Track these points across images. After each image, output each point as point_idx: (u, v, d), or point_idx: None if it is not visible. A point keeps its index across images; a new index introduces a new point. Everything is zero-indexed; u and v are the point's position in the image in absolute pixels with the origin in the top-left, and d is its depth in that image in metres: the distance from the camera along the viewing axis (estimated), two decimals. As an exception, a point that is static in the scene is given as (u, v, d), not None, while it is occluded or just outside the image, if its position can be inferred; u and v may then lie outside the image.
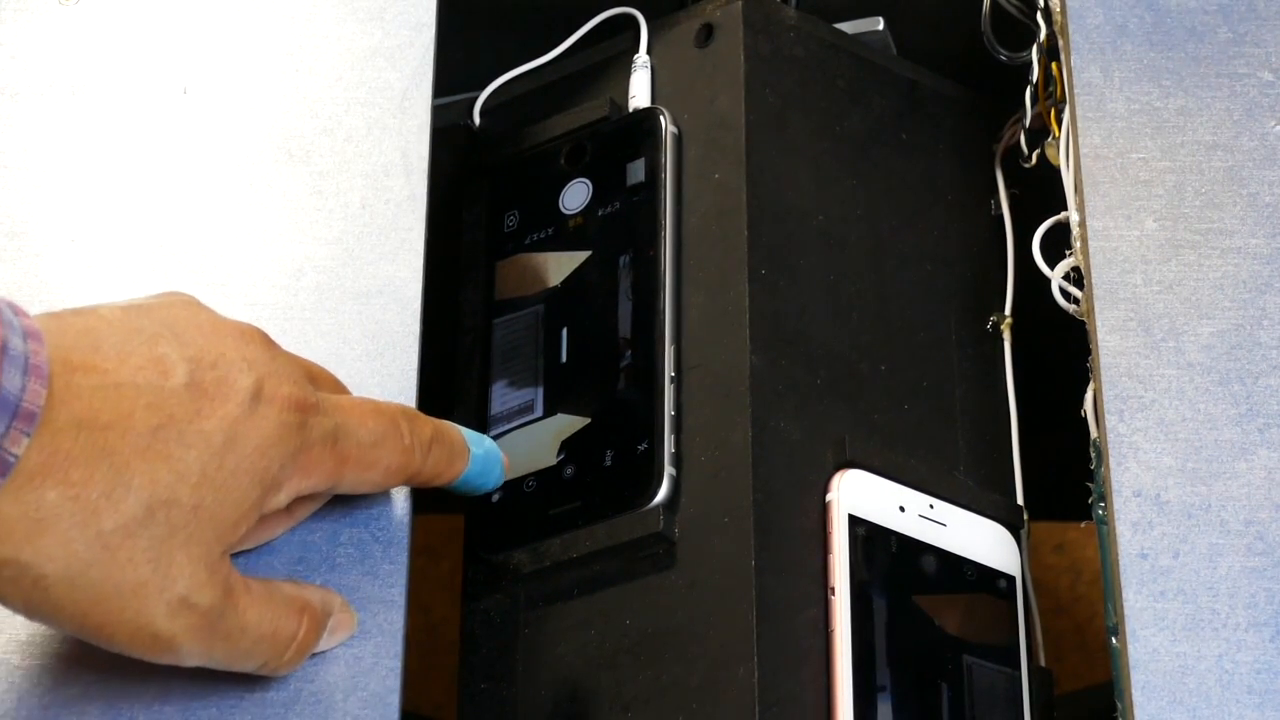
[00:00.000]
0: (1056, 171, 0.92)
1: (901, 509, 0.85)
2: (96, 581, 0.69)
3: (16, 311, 0.68)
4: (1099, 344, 0.84)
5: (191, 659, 0.72)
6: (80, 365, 0.69)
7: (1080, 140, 0.88)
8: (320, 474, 0.75)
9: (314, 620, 0.76)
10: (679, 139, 0.91)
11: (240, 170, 0.89)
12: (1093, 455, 0.85)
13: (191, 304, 0.75)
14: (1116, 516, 0.81)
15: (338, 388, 0.81)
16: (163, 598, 0.70)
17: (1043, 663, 0.88)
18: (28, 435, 0.66)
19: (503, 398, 0.89)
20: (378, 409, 0.77)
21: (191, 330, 0.73)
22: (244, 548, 0.78)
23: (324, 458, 0.74)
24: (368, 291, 0.86)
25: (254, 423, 0.72)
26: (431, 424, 0.79)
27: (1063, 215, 0.90)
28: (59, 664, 0.77)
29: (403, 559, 0.80)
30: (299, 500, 0.77)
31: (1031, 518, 0.91)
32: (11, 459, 0.66)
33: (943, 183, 0.96)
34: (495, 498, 0.87)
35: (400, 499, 0.82)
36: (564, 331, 0.89)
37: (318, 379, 0.79)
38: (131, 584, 0.70)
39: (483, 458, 0.82)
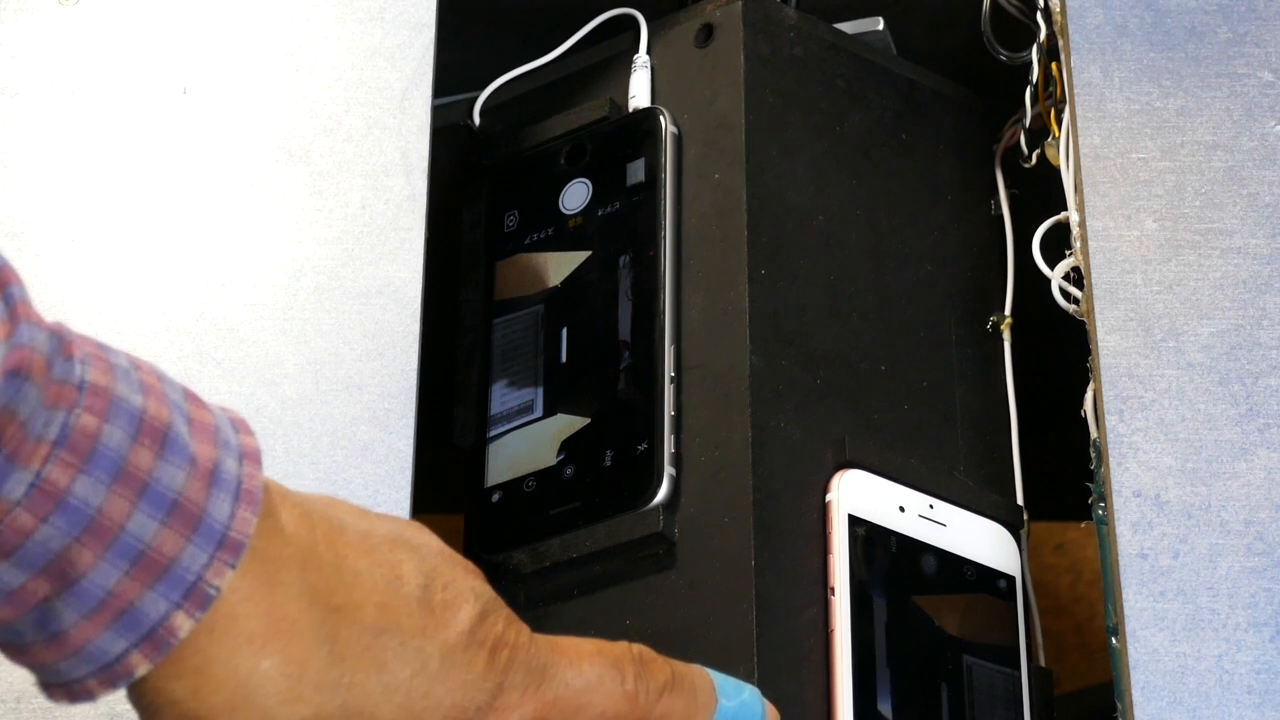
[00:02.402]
0: (1056, 171, 0.92)
1: (901, 509, 0.85)
2: None
3: (238, 427, 0.65)
4: (1099, 344, 0.84)
5: None
6: (324, 538, 0.66)
7: (1080, 140, 0.88)
8: (515, 717, 0.69)
9: None
10: (679, 139, 0.91)
11: (240, 170, 0.89)
12: (1093, 455, 0.85)
13: (424, 530, 0.71)
14: (1116, 516, 0.81)
15: None
16: None
17: (1043, 663, 0.88)
18: (231, 567, 0.62)
19: (503, 398, 0.89)
20: (601, 650, 0.71)
21: (425, 549, 0.69)
22: None
23: (523, 701, 0.69)
24: (368, 291, 0.86)
25: (467, 656, 0.68)
26: (670, 670, 0.72)
27: (1063, 215, 0.90)
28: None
29: (403, 559, 0.80)
30: None
31: (1031, 518, 0.91)
32: (213, 591, 0.62)
33: (943, 183, 0.96)
34: (495, 498, 0.87)
35: (400, 498, 0.82)
36: (564, 331, 0.89)
37: None
38: None
39: (734, 710, 0.74)
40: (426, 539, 0.70)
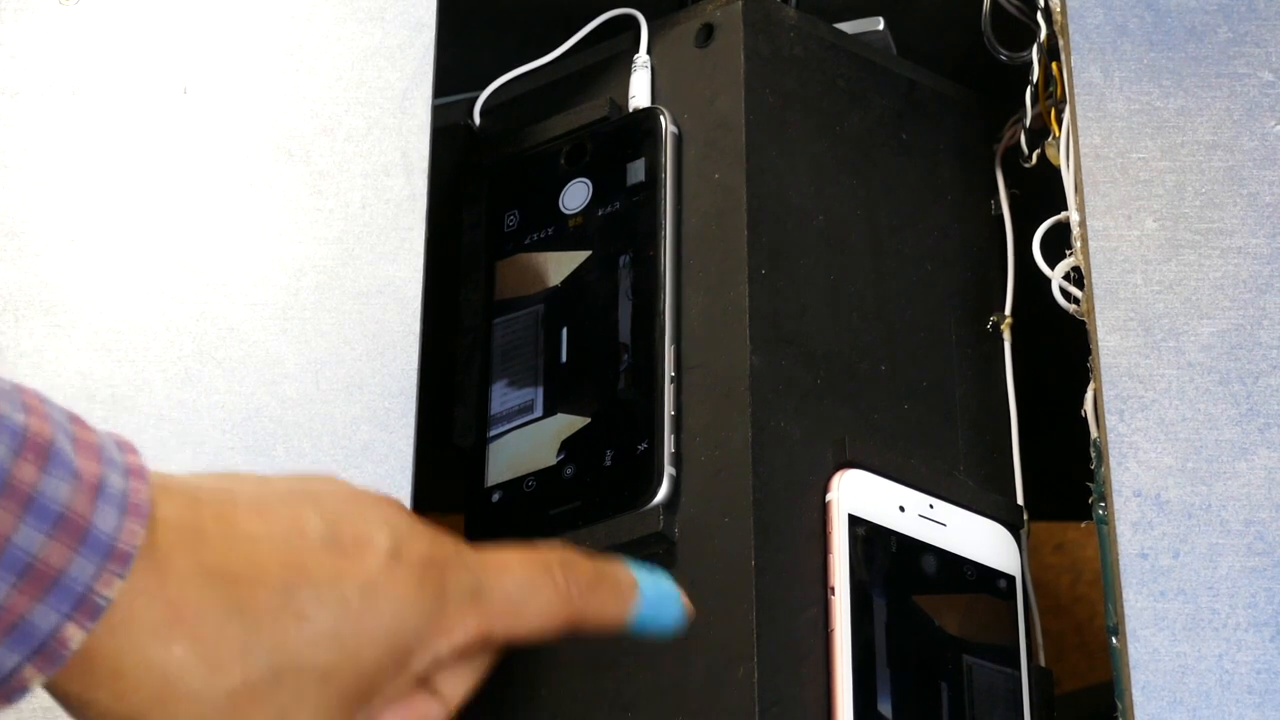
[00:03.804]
0: (1056, 171, 0.92)
1: (901, 509, 0.85)
2: None
3: (123, 448, 0.65)
4: (1099, 344, 0.84)
5: None
6: (212, 515, 0.66)
7: (1080, 140, 0.88)
8: (462, 633, 0.70)
9: None
10: (679, 139, 0.91)
11: (240, 170, 0.89)
12: (1093, 455, 0.85)
13: (331, 478, 0.72)
14: (1116, 516, 0.81)
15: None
16: None
17: (1043, 663, 0.88)
18: (121, 577, 0.63)
19: (503, 398, 0.89)
20: (525, 556, 0.72)
21: (328, 496, 0.70)
22: None
23: (464, 615, 0.70)
24: (368, 291, 0.86)
25: (392, 585, 0.68)
26: (592, 565, 0.74)
27: (1063, 215, 0.90)
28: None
29: (403, 559, 0.80)
30: (448, 676, 0.73)
31: (1031, 518, 0.91)
32: (103, 602, 0.62)
33: (943, 183, 0.96)
34: (495, 498, 0.87)
35: (400, 497, 0.82)
36: (564, 331, 0.89)
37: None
38: None
39: (653, 590, 0.75)
40: (332, 486, 0.70)
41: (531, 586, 0.72)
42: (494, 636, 0.71)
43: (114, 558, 0.63)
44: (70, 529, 0.62)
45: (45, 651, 0.62)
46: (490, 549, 0.72)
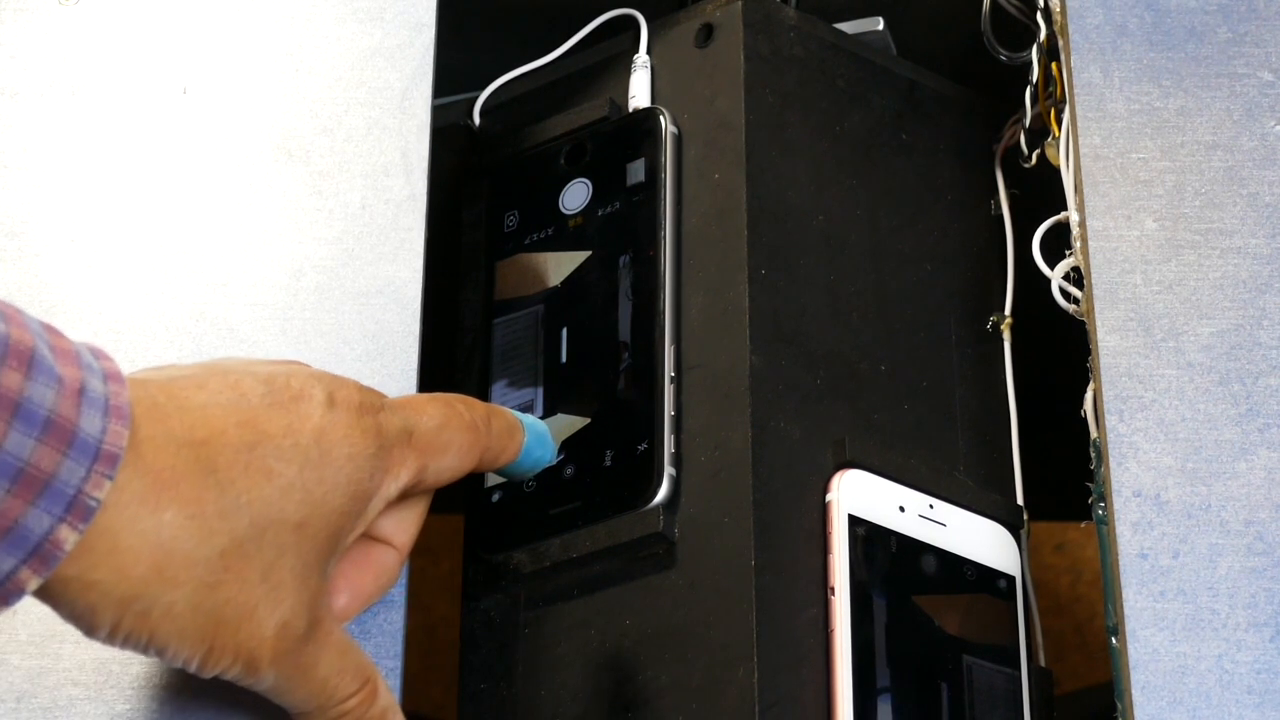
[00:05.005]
0: (1056, 171, 0.92)
1: (901, 509, 0.85)
2: (220, 604, 0.67)
3: (97, 355, 0.67)
4: (1099, 344, 0.84)
5: (263, 684, 0.70)
6: (161, 392, 0.68)
7: (1080, 140, 0.88)
8: (405, 472, 0.74)
9: (370, 696, 0.73)
10: (679, 139, 0.91)
11: (240, 170, 0.89)
12: (1093, 455, 0.85)
13: (245, 359, 0.75)
14: (1116, 516, 0.81)
15: None
16: (272, 619, 0.69)
17: (1043, 663, 0.88)
18: (109, 478, 0.64)
19: (503, 398, 0.89)
20: (432, 397, 0.77)
21: (254, 364, 0.73)
22: (358, 604, 0.77)
23: (404, 454, 0.74)
24: (368, 291, 0.86)
25: (338, 432, 0.71)
26: (483, 403, 0.79)
27: (1063, 215, 0.90)
28: (59, 665, 0.77)
29: (403, 559, 0.80)
30: (394, 522, 0.77)
31: (1031, 518, 0.91)
32: (94, 503, 0.64)
33: (943, 183, 0.96)
34: (495, 498, 0.87)
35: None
36: (564, 332, 0.89)
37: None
38: (250, 605, 0.68)
39: (533, 429, 0.81)
40: (254, 360, 0.74)
41: (447, 422, 0.76)
42: (427, 475, 0.75)
43: (102, 459, 0.64)
44: (58, 433, 0.63)
45: (40, 554, 0.63)
46: (398, 397, 0.77)
